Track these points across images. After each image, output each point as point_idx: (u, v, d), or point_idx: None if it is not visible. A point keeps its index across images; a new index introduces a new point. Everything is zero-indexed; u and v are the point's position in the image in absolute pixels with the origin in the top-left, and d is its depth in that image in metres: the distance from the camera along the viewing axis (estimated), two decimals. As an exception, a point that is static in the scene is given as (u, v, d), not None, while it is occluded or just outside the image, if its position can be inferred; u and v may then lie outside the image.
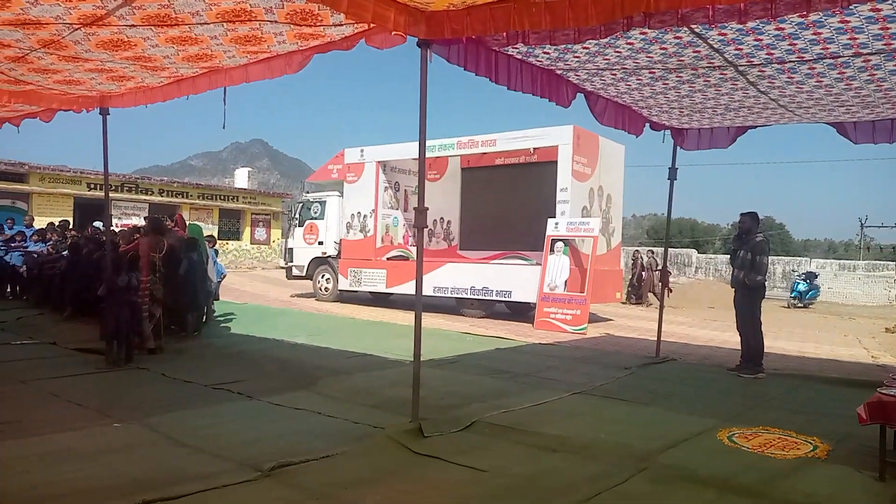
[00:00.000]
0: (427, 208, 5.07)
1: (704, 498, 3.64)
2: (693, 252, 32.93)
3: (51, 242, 12.57)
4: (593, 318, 12.98)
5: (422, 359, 5.01)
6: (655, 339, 9.01)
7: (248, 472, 3.78)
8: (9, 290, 13.47)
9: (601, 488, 3.71)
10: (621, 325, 13.11)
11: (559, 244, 12.09)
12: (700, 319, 15.35)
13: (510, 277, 12.92)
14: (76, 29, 5.17)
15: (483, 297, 13.20)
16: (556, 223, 12.24)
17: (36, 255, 12.43)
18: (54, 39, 5.42)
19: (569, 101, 6.58)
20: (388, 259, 15.08)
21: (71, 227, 14.07)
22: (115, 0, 4.55)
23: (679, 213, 74.14)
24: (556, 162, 12.36)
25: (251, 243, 31.85)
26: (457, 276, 13.53)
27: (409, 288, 13.74)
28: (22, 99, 7.45)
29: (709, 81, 6.26)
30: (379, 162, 15.15)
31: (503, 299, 13.14)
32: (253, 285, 20.71)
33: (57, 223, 14.19)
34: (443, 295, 13.70)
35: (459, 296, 13.56)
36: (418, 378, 4.90)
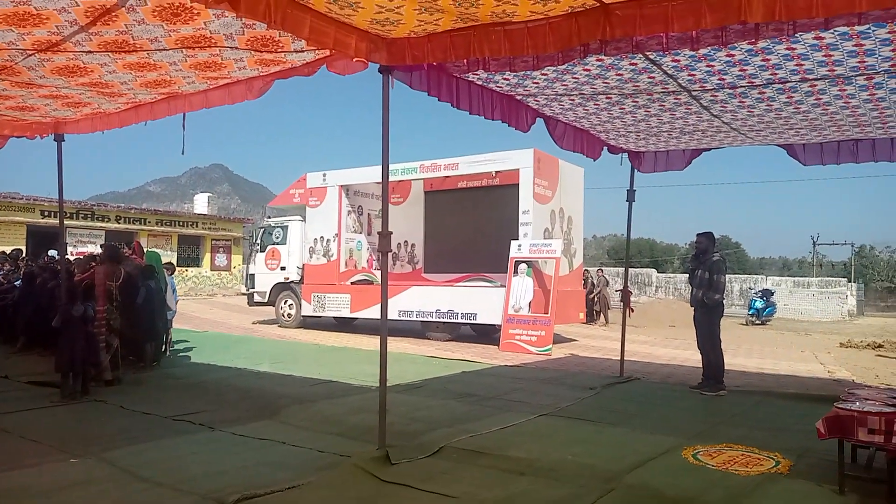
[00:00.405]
0: (391, 232, 5.08)
1: (671, 517, 3.67)
2: (653, 272, 33.54)
3: (2, 272, 12.14)
4: (557, 339, 13.08)
5: (388, 384, 4.98)
6: (619, 358, 9.11)
7: (212, 506, 3.68)
8: None
9: (569, 511, 3.71)
10: (585, 346, 13.23)
11: (523, 266, 12.20)
12: (661, 338, 15.59)
13: (475, 300, 12.95)
14: (30, 55, 5.08)
15: (448, 320, 13.20)
16: (520, 245, 12.36)
17: (-14, 286, 11.99)
18: (7, 65, 5.31)
19: (528, 126, 6.69)
20: (352, 283, 14.98)
21: (24, 255, 13.63)
22: (72, 26, 4.50)
23: (638, 233, 75.49)
24: (518, 185, 12.52)
25: (211, 269, 31.32)
26: (422, 300, 13.51)
27: (373, 312, 13.66)
28: (-28, 125, 7.26)
29: (664, 106, 6.45)
30: (341, 186, 15.12)
31: (469, 321, 13.15)
32: (213, 312, 20.32)
33: (9, 252, 13.74)
34: (408, 318, 13.65)
35: (425, 319, 13.53)
36: (384, 404, 4.87)
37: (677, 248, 71.52)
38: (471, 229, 15.04)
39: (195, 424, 5.73)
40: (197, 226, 30.93)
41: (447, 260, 15.58)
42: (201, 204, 34.81)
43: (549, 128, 7.13)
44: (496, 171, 13.62)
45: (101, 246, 10.48)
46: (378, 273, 15.15)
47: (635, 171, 8.81)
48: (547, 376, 8.91)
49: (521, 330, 11.86)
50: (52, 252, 12.79)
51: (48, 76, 5.63)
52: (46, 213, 24.35)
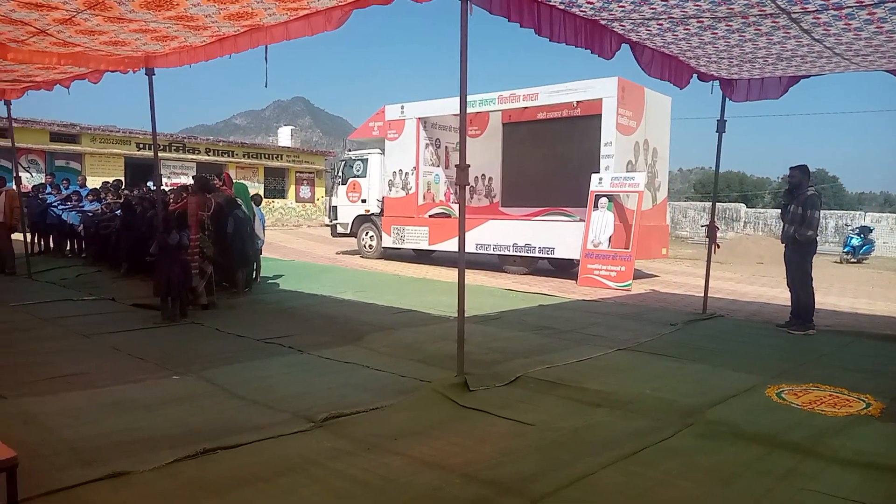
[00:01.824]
0: (469, 165, 5.05)
1: (752, 454, 3.63)
2: (742, 206, 32.04)
3: (105, 202, 12.97)
4: (638, 275, 12.85)
5: (465, 315, 5.07)
6: (702, 295, 8.89)
7: (302, 423, 3.93)
8: (68, 248, 14.03)
9: (646, 443, 3.73)
10: (667, 282, 12.96)
11: (603, 200, 11.92)
12: (748, 275, 15.05)
13: (553, 234, 12.83)
14: (121, -12, 5.23)
15: (526, 254, 13.18)
16: (600, 178, 12.05)
17: (91, 214, 12.86)
18: (99, 0, 5.49)
19: (612, 53, 6.39)
20: (430, 216, 15.12)
21: (123, 186, 14.45)
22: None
23: (727, 166, 72.04)
24: (601, 115, 12.09)
25: (296, 201, 32.24)
26: (499, 233, 13.51)
27: (451, 245, 13.79)
28: (71, 60, 7.59)
29: (760, 30, 5.99)
30: (419, 118, 15.06)
31: (546, 256, 13.09)
32: (299, 242, 21.06)
33: (110, 183, 14.60)
34: (485, 252, 13.72)
35: (502, 252, 13.56)
36: (463, 333, 4.97)
37: (769, 182, 67.95)
38: (550, 162, 14.75)
39: (285, 347, 6.06)
40: (281, 158, 31.73)
41: (525, 194, 15.41)
42: (285, 137, 35.60)
43: (636, 54, 6.78)
44: (577, 102, 13.18)
45: (193, 177, 10.95)
46: (455, 206, 15.20)
47: (727, 99, 8.33)
48: (626, 311, 8.82)
49: (600, 265, 11.71)
50: (148, 183, 13.50)
51: (137, 10, 5.78)
52: (141, 146, 25.56)
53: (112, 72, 8.17)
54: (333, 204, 17.61)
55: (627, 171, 12.17)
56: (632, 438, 3.82)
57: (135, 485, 3.08)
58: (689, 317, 8.30)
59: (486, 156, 15.70)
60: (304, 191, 32.69)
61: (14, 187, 11.34)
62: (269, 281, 10.92)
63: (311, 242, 21.39)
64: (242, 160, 29.99)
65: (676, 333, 7.25)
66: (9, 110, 10.41)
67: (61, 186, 14.84)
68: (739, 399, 4.69)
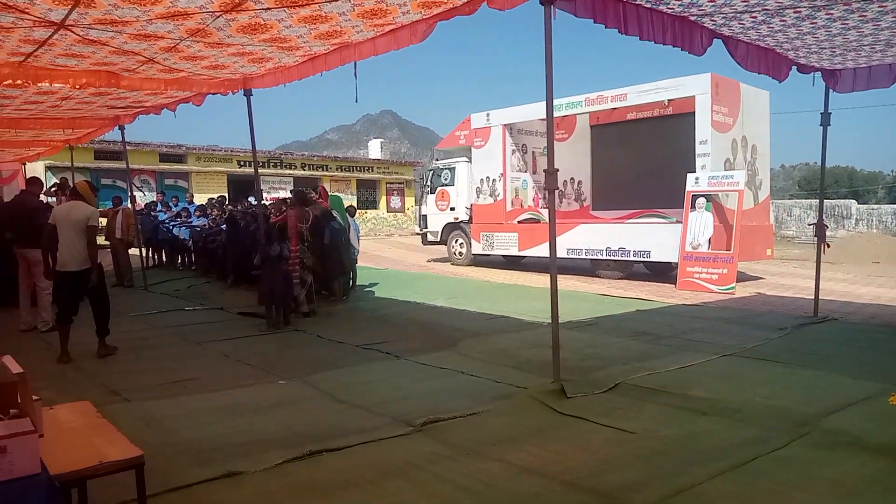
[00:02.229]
0: (557, 169, 5.01)
1: (878, 467, 3.38)
2: (852, 203, 29.96)
3: (211, 217, 13.74)
4: (742, 277, 12.27)
5: (559, 320, 5.01)
6: (813, 297, 8.37)
7: (401, 427, 4.01)
8: (179, 261, 14.96)
9: (757, 453, 3.56)
10: (773, 284, 12.29)
11: (701, 200, 11.48)
12: (863, 276, 14.03)
13: (648, 236, 12.47)
14: (218, 16, 5.53)
15: (620, 258, 12.86)
16: (697, 178, 11.61)
17: (199, 229, 13.66)
18: (200, 28, 5.83)
19: (703, 49, 6.16)
20: (518, 222, 15.05)
21: (227, 202, 15.26)
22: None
23: (834, 161, 67.49)
24: (694, 113, 11.67)
25: (387, 211, 32.95)
26: (591, 237, 13.26)
27: (541, 250, 13.67)
28: (176, 86, 8.10)
29: (865, 16, 5.60)
30: (505, 125, 15.05)
31: (642, 259, 12.73)
32: (391, 251, 21.50)
33: (215, 199, 15.46)
34: (577, 257, 13.50)
35: (594, 257, 13.30)
36: (557, 339, 4.91)
37: (881, 177, 63.24)
38: (642, 163, 14.36)
39: (382, 353, 6.20)
40: (372, 170, 32.55)
41: (616, 196, 15.07)
42: (375, 149, 36.52)
43: (730, 49, 6.51)
44: (669, 100, 12.76)
45: (292, 191, 11.43)
46: (545, 211, 15.07)
47: (830, 91, 7.84)
48: (730, 316, 8.43)
49: (700, 268, 11.27)
50: (250, 198, 14.19)
51: (234, 35, 6.11)
52: (242, 163, 26.92)
53: (213, 94, 8.65)
54: (423, 213, 17.87)
55: (725, 170, 11.66)
56: (741, 448, 3.65)
57: (248, 484, 3.24)
58: (799, 320, 7.85)
59: (574, 159, 15.48)
60: (395, 201, 33.36)
61: (130, 206, 12.22)
62: (365, 289, 11.21)
63: (403, 251, 21.78)
64: (336, 173, 30.98)
65: (786, 338, 6.87)
66: (122, 134, 11.23)
67: (171, 204, 15.87)
68: (859, 407, 4.38)
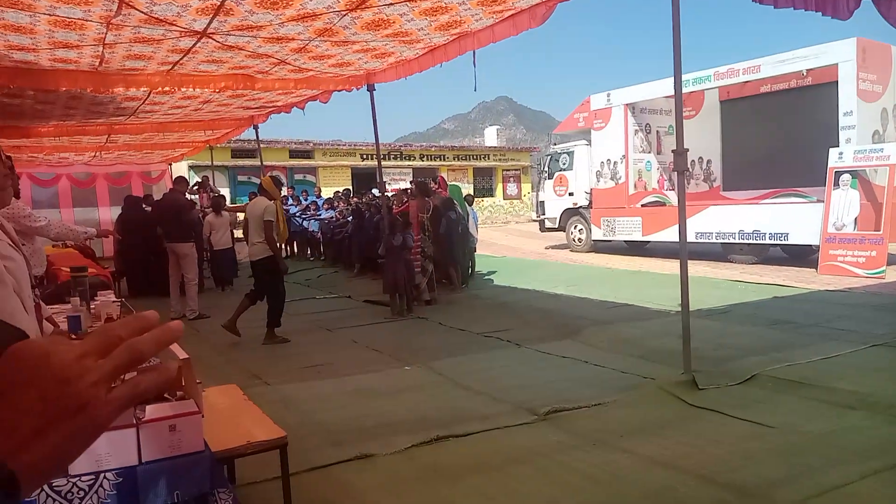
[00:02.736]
0: (687, 149, 4.78)
1: None
2: None
3: (338, 209, 14.37)
4: (892, 260, 11.18)
5: (689, 308, 4.80)
6: (983, 282, 7.49)
7: (525, 415, 4.01)
8: (308, 252, 15.78)
9: (919, 453, 3.25)
10: (932, 267, 11.10)
11: (845, 177, 10.54)
12: None
13: (785, 218, 11.63)
14: (344, 15, 5.74)
15: (754, 241, 12.10)
16: (840, 153, 10.66)
17: (327, 221, 14.33)
18: (327, 27, 6.07)
19: (850, 12, 5.59)
20: (642, 206, 14.53)
21: (352, 194, 15.89)
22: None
23: None
24: (836, 82, 10.70)
25: (504, 198, 32.95)
26: (722, 220, 12.57)
27: (666, 235, 13.13)
28: (305, 84, 8.49)
29: None
30: (627, 105, 14.53)
31: (778, 242, 11.90)
32: (509, 239, 21.50)
33: (341, 192, 16.15)
34: (707, 241, 12.85)
35: (726, 241, 12.60)
36: (688, 328, 4.72)
37: None
38: (777, 139, 13.39)
39: (503, 341, 6.23)
40: (488, 158, 32.63)
41: (750, 175, 14.15)
42: (491, 137, 36.57)
43: (881, 10, 5.88)
44: (807, 70, 11.78)
45: (412, 182, 11.70)
46: (670, 194, 14.45)
47: None
48: (880, 302, 7.71)
49: (844, 250, 10.37)
50: (373, 190, 14.68)
51: (359, 32, 6.30)
52: (365, 156, 27.90)
53: (338, 91, 8.99)
54: (540, 199, 17.67)
55: (874, 143, 10.63)
56: (898, 447, 3.34)
57: (378, 466, 3.38)
58: (966, 308, 7.05)
59: (703, 137, 14.69)
60: (511, 188, 33.27)
61: (265, 200, 13.01)
62: (484, 277, 11.29)
63: (520, 238, 21.70)
64: (453, 163, 31.35)
65: (950, 327, 6.19)
66: (257, 133, 11.94)
67: (301, 197, 16.74)
68: None
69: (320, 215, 14.95)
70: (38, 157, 13.34)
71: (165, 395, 1.93)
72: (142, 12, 4.84)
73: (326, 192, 19.16)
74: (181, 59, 6.47)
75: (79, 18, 4.90)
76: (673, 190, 14.29)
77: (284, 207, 15.63)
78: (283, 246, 15.93)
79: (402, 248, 8.05)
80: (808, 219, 11.12)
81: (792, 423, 3.76)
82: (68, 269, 5.56)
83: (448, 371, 5.17)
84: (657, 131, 15.12)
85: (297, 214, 15.44)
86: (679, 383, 4.42)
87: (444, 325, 7.15)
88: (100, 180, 16.15)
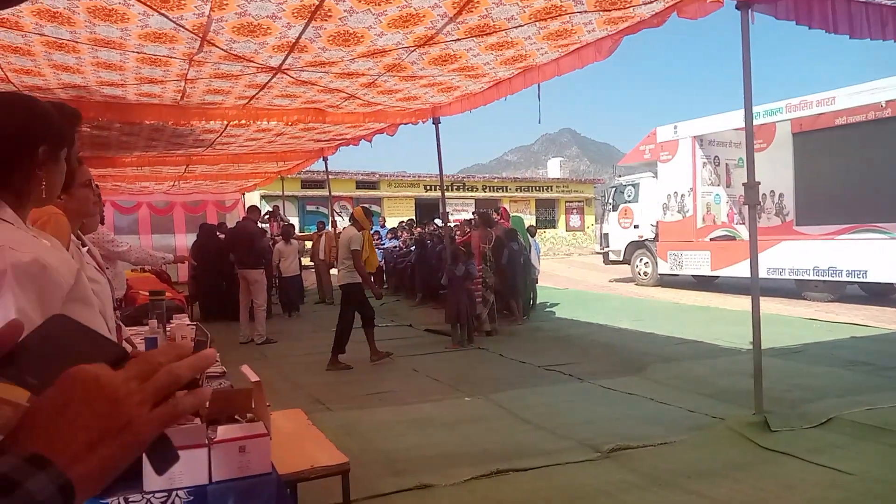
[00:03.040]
0: (758, 182, 4.67)
1: None
2: None
3: (401, 239, 14.57)
4: None
5: (761, 346, 4.62)
6: None
7: (587, 452, 3.93)
8: (372, 280, 16.00)
9: None
10: None
11: (932, 212, 10.00)
12: None
13: (864, 254, 11.08)
14: (412, 51, 5.90)
15: (830, 279, 11.56)
16: (927, 187, 10.14)
17: (390, 250, 14.54)
18: (396, 63, 6.26)
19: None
20: (711, 240, 14.14)
21: (416, 224, 16.09)
22: (443, 19, 5.09)
23: None
24: (920, 113, 10.25)
25: (566, 230, 32.68)
26: (795, 256, 12.09)
27: (736, 270, 12.71)
28: (373, 118, 8.73)
29: None
30: (694, 137, 14.26)
31: (857, 280, 11.34)
32: (571, 271, 21.24)
33: (405, 222, 16.39)
34: (779, 276, 12.36)
35: (799, 277, 12.09)
36: (760, 367, 4.54)
37: None
38: (854, 173, 12.85)
39: (565, 375, 6.14)
40: (551, 189, 32.52)
41: (825, 210, 13.60)
42: (554, 168, 36.51)
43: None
44: (886, 101, 11.32)
45: (474, 212, 11.77)
46: (740, 227, 14.03)
47: None
48: (973, 346, 7.23)
49: (931, 289, 9.80)
50: (436, 220, 14.85)
51: (426, 67, 6.46)
52: (428, 187, 28.28)
53: (405, 124, 9.19)
54: (605, 231, 17.45)
55: (965, 176, 10.07)
56: None
57: (438, 497, 3.37)
58: None
59: (774, 170, 14.24)
60: (574, 219, 32.99)
61: (331, 230, 13.34)
62: (546, 309, 11.18)
63: (583, 270, 21.41)
64: (515, 194, 31.37)
65: None
66: (326, 165, 12.31)
67: (366, 227, 17.06)
68: None
69: (384, 244, 15.19)
70: (121, 185, 14.11)
71: (236, 417, 2.00)
72: (222, 49, 5.11)
73: (391, 222, 19.47)
74: (257, 93, 6.77)
75: (164, 56, 5.21)
76: (743, 224, 13.87)
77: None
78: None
79: (465, 279, 8.08)
80: (889, 255, 10.58)
81: (873, 471, 3.55)
82: (146, 293, 5.86)
83: (508, 404, 5.12)
84: (726, 164, 14.76)
85: (362, 243, 15.73)
86: (750, 424, 4.24)
87: (505, 357, 7.10)
88: (177, 208, 16.93)
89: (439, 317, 8.93)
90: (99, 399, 0.53)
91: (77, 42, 4.80)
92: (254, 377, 1.83)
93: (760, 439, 4.05)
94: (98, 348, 0.60)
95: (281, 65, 5.71)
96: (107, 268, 2.40)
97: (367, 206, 8.11)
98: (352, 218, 7.29)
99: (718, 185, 14.66)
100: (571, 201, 32.91)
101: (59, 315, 0.62)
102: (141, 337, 3.42)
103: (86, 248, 1.99)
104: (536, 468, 3.68)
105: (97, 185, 1.85)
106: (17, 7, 4.03)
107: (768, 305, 10.82)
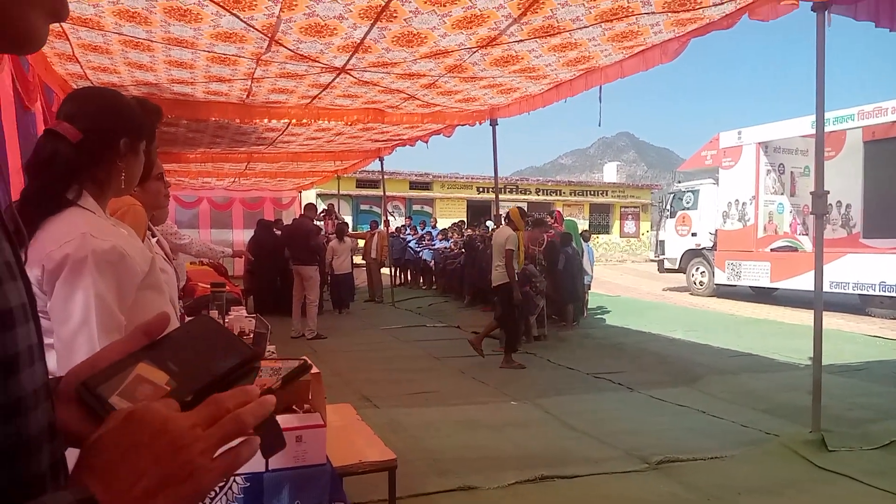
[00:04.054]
0: (827, 192, 4.52)
1: None
2: None
3: (452, 240, 14.64)
4: None
5: (822, 362, 4.47)
6: None
7: (635, 463, 3.88)
8: (421, 280, 16.14)
9: None
10: None
11: None
12: None
13: (936, 271, 10.57)
14: (474, 52, 5.92)
15: (897, 295, 11.07)
16: None
17: (441, 251, 14.63)
18: (457, 64, 6.29)
19: None
20: (772, 250, 13.71)
21: (466, 226, 16.14)
22: (507, 20, 5.10)
23: None
24: None
25: (620, 236, 32.16)
26: (861, 269, 11.61)
27: (798, 282, 12.29)
28: (431, 119, 8.79)
29: None
30: (759, 143, 13.85)
31: (926, 297, 10.82)
32: (624, 278, 20.90)
33: (456, 223, 16.46)
34: (842, 291, 11.89)
35: (864, 292, 11.61)
36: (819, 383, 4.39)
37: None
38: (929, 184, 12.26)
39: (614, 383, 6.06)
40: (606, 194, 32.05)
41: (894, 223, 13.01)
42: (610, 173, 36.00)
43: None
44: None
45: (507, 211, 11.72)
46: (803, 238, 13.57)
47: None
48: None
49: None
50: (487, 222, 14.85)
51: (487, 68, 6.47)
52: (481, 189, 28.27)
53: (462, 125, 9.22)
54: (661, 238, 17.11)
55: None
56: None
57: (482, 500, 3.39)
58: None
59: (842, 180, 13.67)
60: (629, 226, 32.42)
61: (384, 229, 13.51)
62: (597, 315, 11.05)
63: (637, 278, 21.04)
64: (569, 198, 31.05)
65: None
66: (381, 165, 12.47)
67: (418, 227, 17.22)
68: None
69: (434, 245, 15.28)
70: (184, 180, 14.61)
71: (293, 407, 2.06)
72: (289, 49, 5.24)
73: (442, 223, 19.56)
74: (319, 93, 6.91)
75: (233, 55, 5.38)
76: (807, 234, 13.41)
77: (402, 237, 16.18)
78: (398, 272, 16.43)
79: (523, 282, 8.03)
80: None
81: (939, 499, 3.39)
82: (204, 285, 6.05)
83: (555, 409, 5.10)
84: (791, 172, 14.29)
85: (413, 244, 15.88)
86: (806, 442, 4.11)
87: (553, 363, 7.06)
88: (236, 204, 17.42)
89: (486, 319, 8.91)
90: (163, 445, 0.51)
91: (152, 41, 5.01)
92: (314, 368, 1.88)
93: (817, 458, 3.92)
94: (233, 348, 0.63)
95: (345, 65, 5.82)
96: (173, 258, 2.51)
97: (521, 206, 8.21)
98: (507, 218, 7.40)
99: (782, 194, 14.21)
100: (627, 207, 32.36)
101: (205, 316, 0.67)
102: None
103: (156, 239, 2.09)
104: (582, 476, 3.66)
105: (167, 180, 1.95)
106: (100, 7, 4.24)
107: (830, 320, 10.42)
